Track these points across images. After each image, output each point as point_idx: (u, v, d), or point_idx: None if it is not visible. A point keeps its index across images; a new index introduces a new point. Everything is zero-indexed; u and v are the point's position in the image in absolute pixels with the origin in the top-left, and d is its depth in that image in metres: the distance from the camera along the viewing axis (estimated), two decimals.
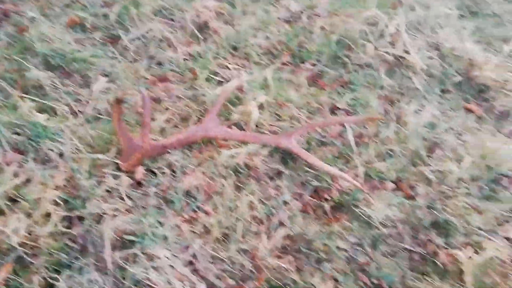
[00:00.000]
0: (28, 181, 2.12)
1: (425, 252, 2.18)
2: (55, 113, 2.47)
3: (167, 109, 2.61)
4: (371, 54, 3.01)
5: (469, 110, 2.88)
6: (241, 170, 2.34)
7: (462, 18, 3.59)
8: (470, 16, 3.68)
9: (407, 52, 2.99)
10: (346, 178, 2.30)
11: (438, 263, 2.13)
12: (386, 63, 3.01)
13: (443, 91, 2.98)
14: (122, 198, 2.14)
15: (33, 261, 1.89)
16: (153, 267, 1.91)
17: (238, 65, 2.95)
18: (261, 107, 2.63)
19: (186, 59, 2.96)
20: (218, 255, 2.05)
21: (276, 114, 2.66)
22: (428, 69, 3.02)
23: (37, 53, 2.72)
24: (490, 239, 2.20)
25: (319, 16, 3.28)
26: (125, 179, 2.20)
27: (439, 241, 2.21)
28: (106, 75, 2.75)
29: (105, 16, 3.12)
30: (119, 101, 2.13)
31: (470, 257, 2.12)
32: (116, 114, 2.16)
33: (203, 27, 3.15)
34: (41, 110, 2.45)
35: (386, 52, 3.00)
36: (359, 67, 3.01)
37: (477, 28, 3.46)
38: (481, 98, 2.96)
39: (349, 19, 3.19)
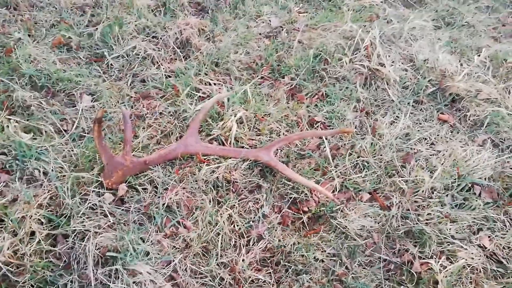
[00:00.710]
0: (14, 200, 2.17)
1: (400, 261, 2.23)
2: (41, 133, 2.53)
3: (150, 126, 2.67)
4: (347, 67, 3.08)
5: (442, 120, 2.94)
6: (221, 185, 2.39)
7: (437, 29, 3.67)
8: (445, 27, 3.77)
9: (382, 64, 3.05)
10: (320, 190, 2.36)
11: (413, 272, 2.17)
12: (362, 76, 3.07)
13: (417, 102, 3.05)
14: (105, 215, 2.19)
15: (18, 279, 1.94)
16: (135, 283, 1.95)
17: (219, 81, 3.02)
18: (241, 121, 2.69)
19: (169, 76, 3.03)
20: (199, 269, 2.09)
21: (256, 128, 2.73)
22: (402, 80, 3.09)
23: (24, 74, 2.78)
24: (463, 247, 2.25)
25: (298, 30, 3.35)
26: (108, 196, 2.26)
27: (414, 250, 2.25)
28: (91, 94, 2.81)
29: (90, 35, 3.19)
30: (99, 121, 2.18)
31: (444, 265, 2.16)
32: (96, 133, 2.21)
33: (185, 44, 3.23)
34: (27, 130, 2.51)
35: (362, 65, 3.06)
36: (336, 80, 3.08)
37: (451, 39, 3.54)
38: (454, 108, 3.03)
39: (326, 33, 3.27)
